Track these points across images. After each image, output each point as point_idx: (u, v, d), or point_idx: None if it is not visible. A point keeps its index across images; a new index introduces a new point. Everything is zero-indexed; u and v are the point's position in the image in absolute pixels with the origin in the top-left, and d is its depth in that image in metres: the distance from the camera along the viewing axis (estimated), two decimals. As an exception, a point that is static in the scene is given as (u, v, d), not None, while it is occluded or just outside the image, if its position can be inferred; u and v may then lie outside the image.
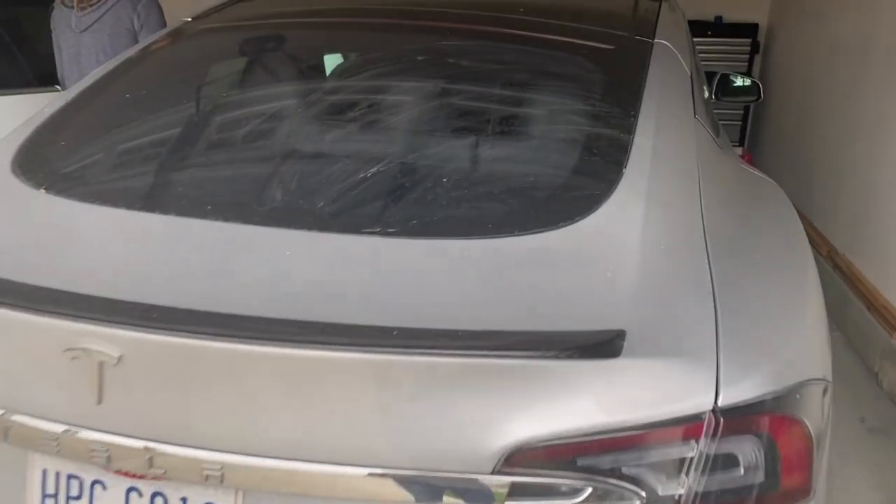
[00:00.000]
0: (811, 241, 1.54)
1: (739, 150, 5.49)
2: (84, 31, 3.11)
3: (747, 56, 5.44)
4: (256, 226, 1.10)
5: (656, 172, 1.25)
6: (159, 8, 3.27)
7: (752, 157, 5.48)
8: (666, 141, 1.35)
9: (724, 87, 3.33)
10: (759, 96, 3.37)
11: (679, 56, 1.68)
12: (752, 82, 3.43)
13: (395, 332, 0.86)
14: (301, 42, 1.72)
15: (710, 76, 3.02)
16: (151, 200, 1.18)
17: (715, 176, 1.43)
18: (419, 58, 1.58)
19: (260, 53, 1.72)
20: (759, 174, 1.75)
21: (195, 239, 1.08)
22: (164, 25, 3.14)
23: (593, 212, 1.13)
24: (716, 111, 2.89)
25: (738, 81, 3.42)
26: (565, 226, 1.11)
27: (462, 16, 1.77)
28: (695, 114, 1.53)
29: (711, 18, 5.44)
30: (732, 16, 5.45)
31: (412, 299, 0.96)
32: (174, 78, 1.64)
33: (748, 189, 1.55)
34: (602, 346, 0.90)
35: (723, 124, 4.26)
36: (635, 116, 1.36)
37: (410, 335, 0.86)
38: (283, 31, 1.83)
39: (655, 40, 1.69)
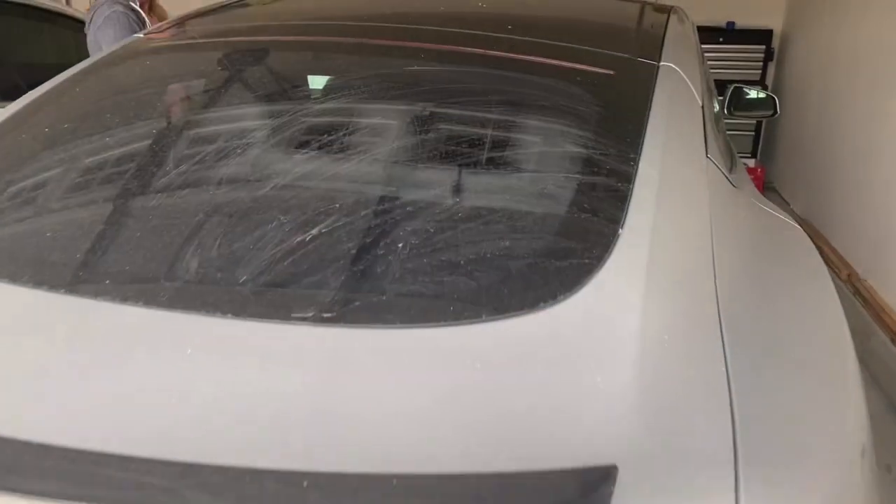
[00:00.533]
0: (829, 264, 1.33)
1: (752, 162, 5.23)
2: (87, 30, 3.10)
3: (760, 64, 5.19)
4: (157, 309, 0.87)
5: (661, 234, 1.03)
6: (120, 22, 3.05)
7: (765, 171, 5.22)
8: (672, 192, 1.12)
9: (737, 101, 3.09)
10: (776, 111, 3.13)
11: (689, 82, 1.45)
12: (768, 96, 3.18)
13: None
14: (254, 66, 1.49)
15: (720, 88, 2.78)
16: (27, 268, 0.95)
17: (731, 231, 1.20)
18: (378, 86, 1.36)
19: (203, 79, 1.50)
20: (780, 216, 1.51)
21: (70, 326, 0.86)
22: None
23: (580, 288, 0.91)
24: (726, 120, 2.66)
25: (753, 94, 3.18)
26: (544, 308, 0.88)
27: (436, 34, 1.54)
28: (707, 152, 1.30)
29: (723, 24, 5.20)
30: (745, 21, 5.20)
31: (334, 427, 0.74)
32: (94, 111, 1.41)
33: (770, 242, 1.31)
34: (584, 492, 0.68)
35: (734, 135, 4.02)
36: (635, 161, 1.13)
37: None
38: (236, 52, 1.61)
39: (661, 63, 1.46)
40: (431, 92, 1.33)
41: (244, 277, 0.92)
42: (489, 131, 1.23)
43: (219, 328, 0.85)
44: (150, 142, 1.23)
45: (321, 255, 0.96)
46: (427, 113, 1.26)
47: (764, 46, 5.16)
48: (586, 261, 0.96)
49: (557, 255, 0.99)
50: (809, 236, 1.45)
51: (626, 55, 1.49)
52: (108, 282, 0.93)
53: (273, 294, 0.91)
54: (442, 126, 1.24)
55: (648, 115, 1.25)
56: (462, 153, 1.16)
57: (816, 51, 4.57)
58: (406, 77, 1.38)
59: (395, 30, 1.60)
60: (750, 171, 5.04)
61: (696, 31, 1.99)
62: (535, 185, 1.11)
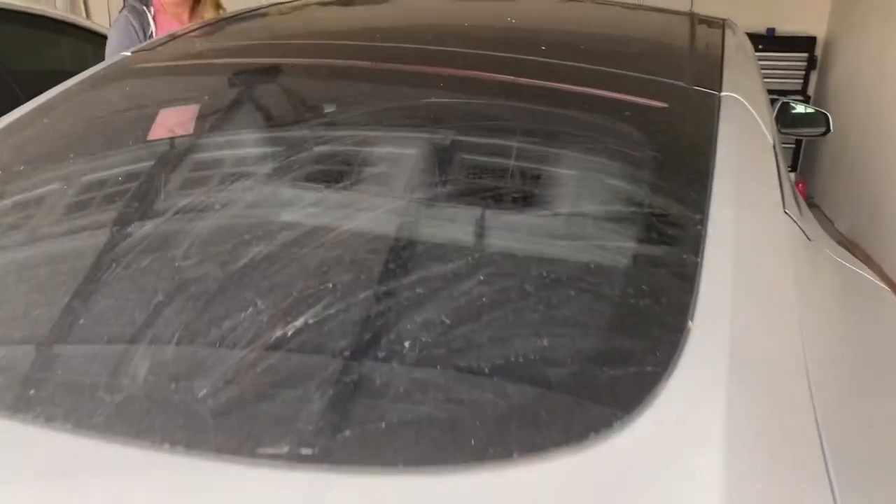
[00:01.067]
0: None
1: (792, 176, 4.94)
2: None
3: (803, 73, 4.90)
4: (85, 437, 0.66)
5: (740, 324, 0.80)
6: (118, 29, 2.87)
7: (805, 186, 4.93)
8: (750, 264, 0.89)
9: (783, 117, 2.82)
10: (828, 129, 2.86)
11: (756, 116, 1.21)
12: (818, 112, 2.91)
13: None
14: (238, 100, 1.28)
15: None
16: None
17: (819, 308, 0.96)
18: (387, 126, 1.14)
19: (181, 113, 1.29)
20: (866, 275, 1.27)
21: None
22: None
23: (638, 414, 0.68)
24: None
25: (802, 110, 2.91)
26: (589, 444, 0.66)
27: (458, 58, 1.32)
28: (784, 206, 1.07)
29: (762, 31, 4.91)
30: (786, 28, 4.91)
31: None
32: (57, 147, 1.21)
33: (864, 315, 1.07)
34: None
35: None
36: (702, 226, 0.90)
37: None
38: (224, 78, 1.40)
39: (723, 93, 1.23)
40: (444, 131, 1.11)
41: (199, 393, 0.71)
42: (526, 188, 1.01)
43: (158, 467, 0.64)
44: (96, 193, 1.03)
45: (302, 361, 0.75)
46: (435, 164, 1.04)
47: (806, 54, 4.87)
48: (647, 369, 0.73)
49: (608, 360, 0.76)
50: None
51: (679, 83, 1.26)
52: (28, 393, 0.72)
53: (233, 419, 0.70)
54: (450, 185, 1.02)
55: (713, 162, 1.02)
56: (487, 222, 0.93)
57: (864, 59, 4.27)
58: (417, 115, 1.17)
59: (413, 51, 1.39)
60: (790, 186, 4.75)
61: (752, 48, 1.75)
62: (576, 262, 0.88)
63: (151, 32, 2.94)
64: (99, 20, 4.72)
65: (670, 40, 1.61)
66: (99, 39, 3.35)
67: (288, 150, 1.09)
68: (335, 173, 1.05)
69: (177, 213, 0.96)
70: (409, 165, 1.08)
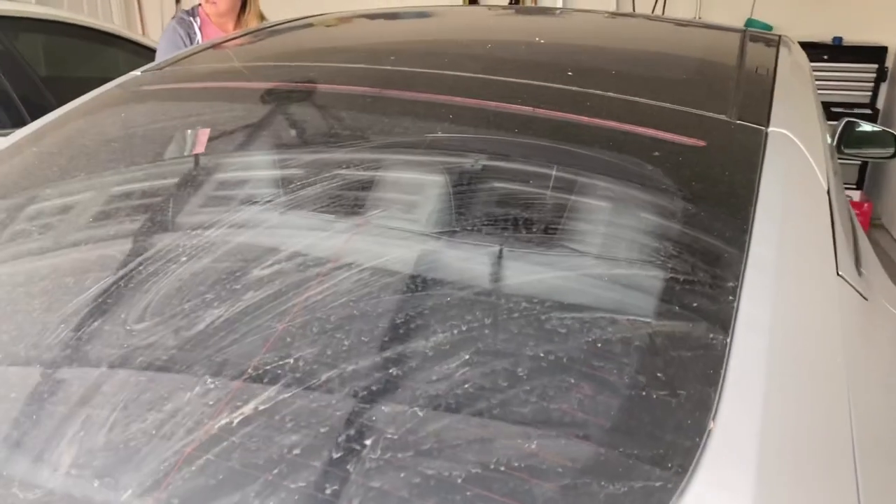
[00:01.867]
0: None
1: (856, 195, 4.64)
2: None
3: (871, 84, 4.60)
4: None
5: (773, 429, 0.66)
6: (166, 37, 2.88)
7: (871, 206, 4.63)
8: (790, 348, 0.75)
9: (847, 137, 2.60)
10: (898, 153, 2.63)
11: (810, 157, 1.06)
12: (886, 132, 2.68)
13: None
14: (238, 132, 1.19)
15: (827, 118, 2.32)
16: None
17: (872, 388, 0.81)
18: (387, 170, 1.03)
19: (191, 131, 1.21)
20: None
21: None
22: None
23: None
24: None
25: (867, 129, 2.69)
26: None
27: (477, 85, 1.20)
28: (837, 268, 0.91)
29: (828, 40, 4.64)
30: (854, 37, 4.63)
31: None
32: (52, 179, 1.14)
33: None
34: None
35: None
36: (734, 298, 0.76)
37: None
38: (232, 102, 1.31)
39: (770, 129, 1.08)
40: (452, 174, 0.99)
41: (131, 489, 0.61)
42: (539, 240, 0.88)
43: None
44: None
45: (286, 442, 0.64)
46: (438, 213, 0.93)
47: (876, 65, 4.56)
48: (656, 484, 0.61)
49: (608, 473, 0.64)
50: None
51: (720, 116, 1.11)
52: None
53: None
54: (451, 243, 0.90)
55: (752, 216, 0.87)
56: (497, 286, 0.81)
57: (941, 72, 3.97)
58: (420, 153, 1.05)
59: (426, 77, 1.27)
60: (855, 205, 4.48)
61: (811, 70, 1.58)
62: (584, 338, 0.74)
63: (197, 41, 2.94)
64: (154, 35, 4.84)
65: (715, 63, 1.46)
66: (149, 53, 3.40)
67: (301, 178, 0.99)
68: (350, 206, 0.95)
69: (171, 250, 0.87)
70: (408, 210, 0.97)
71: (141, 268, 0.87)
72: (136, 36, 3.82)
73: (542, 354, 0.72)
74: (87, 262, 0.95)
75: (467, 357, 0.72)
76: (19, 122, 2.43)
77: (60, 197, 1.10)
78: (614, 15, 2.55)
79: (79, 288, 0.86)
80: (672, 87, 1.26)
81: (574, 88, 1.18)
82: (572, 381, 0.70)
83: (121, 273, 0.87)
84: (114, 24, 4.50)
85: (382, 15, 2.18)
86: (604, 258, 0.86)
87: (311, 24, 1.92)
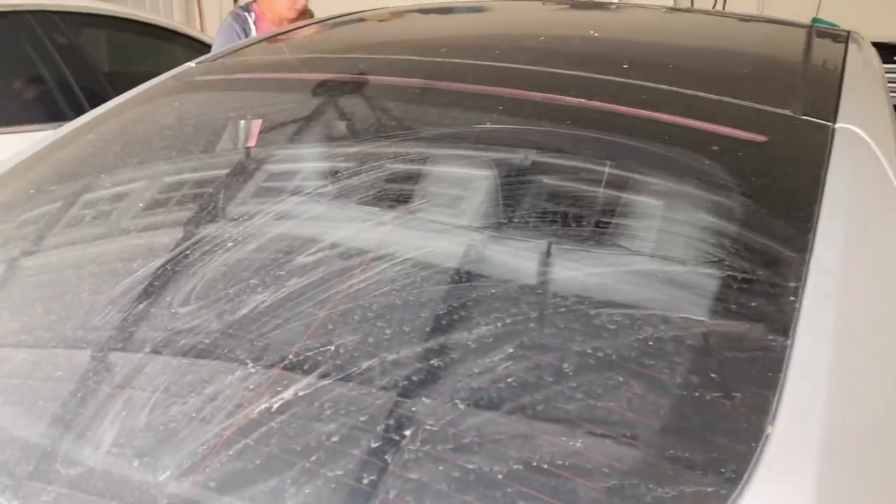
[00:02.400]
0: None
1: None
2: None
3: (945, 87, 4.38)
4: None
5: (834, 438, 0.62)
6: (223, 33, 2.92)
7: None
8: (853, 354, 0.71)
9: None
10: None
11: (879, 152, 1.00)
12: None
13: None
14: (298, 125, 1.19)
15: None
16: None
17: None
18: (437, 169, 1.02)
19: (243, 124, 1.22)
20: None
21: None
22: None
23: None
24: None
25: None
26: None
27: (536, 78, 1.18)
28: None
29: (899, 40, 4.44)
30: (927, 37, 4.41)
31: None
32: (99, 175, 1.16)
33: None
34: None
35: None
36: (796, 300, 0.72)
37: None
38: (290, 94, 1.31)
39: (838, 124, 1.02)
40: (501, 167, 0.98)
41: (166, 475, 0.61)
42: (574, 236, 0.85)
43: None
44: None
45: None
46: (486, 210, 0.91)
47: (952, 67, 4.35)
48: (708, 490, 0.58)
49: (661, 477, 0.61)
50: None
51: (784, 111, 1.06)
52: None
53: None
54: (499, 242, 0.87)
55: (816, 216, 0.83)
56: (543, 282, 0.79)
57: None
58: (468, 145, 1.04)
59: (481, 69, 1.25)
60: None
61: (882, 69, 1.50)
62: (639, 337, 0.71)
63: (252, 36, 2.99)
64: (212, 31, 4.94)
65: (780, 58, 1.40)
66: (207, 49, 3.47)
67: (351, 169, 0.99)
68: (399, 197, 0.94)
69: (218, 241, 0.88)
70: (457, 202, 0.95)
71: (188, 254, 0.88)
72: (194, 32, 3.91)
73: (590, 351, 0.70)
74: (136, 249, 0.96)
75: (511, 351, 0.70)
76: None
77: (112, 185, 1.12)
78: (672, 10, 2.49)
79: (127, 273, 0.87)
80: (733, 81, 1.21)
81: (630, 81, 1.15)
82: (621, 379, 0.67)
83: (168, 259, 0.88)
84: (174, 20, 4.62)
85: (435, 9, 2.17)
86: (659, 255, 0.83)
87: (362, 19, 1.92)
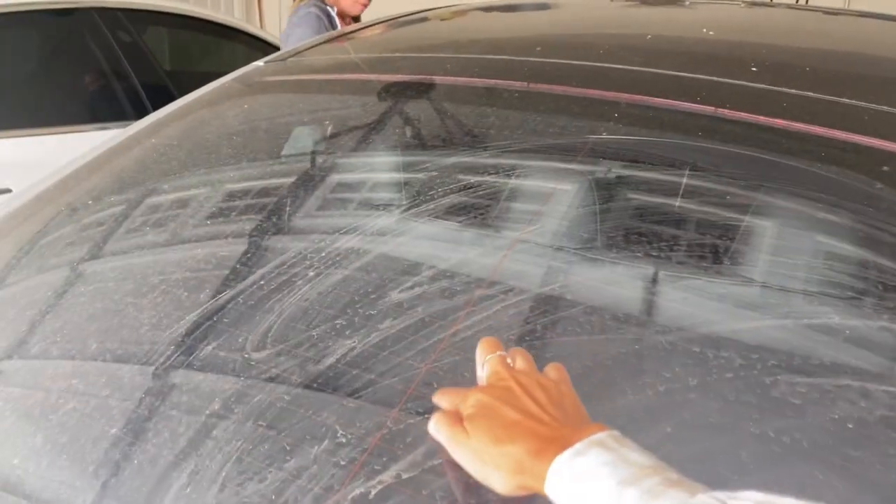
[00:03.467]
0: None
1: None
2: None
3: None
4: None
5: None
6: (311, 25, 2.81)
7: None
8: None
9: None
10: None
11: None
12: None
13: None
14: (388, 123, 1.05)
15: None
16: None
17: None
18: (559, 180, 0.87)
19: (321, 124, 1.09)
20: None
21: None
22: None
23: None
24: None
25: None
26: None
27: (642, 79, 1.02)
28: None
29: None
30: None
31: None
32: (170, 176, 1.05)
33: None
34: None
35: None
36: None
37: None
38: (379, 96, 1.17)
39: None
40: (623, 179, 0.82)
41: None
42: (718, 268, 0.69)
43: None
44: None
45: None
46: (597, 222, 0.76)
47: None
48: None
49: None
50: None
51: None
52: None
53: None
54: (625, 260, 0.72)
55: None
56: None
57: None
58: (574, 156, 0.89)
59: (577, 70, 1.11)
60: None
61: None
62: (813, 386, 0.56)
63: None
64: (272, 29, 4.91)
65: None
66: (267, 47, 3.41)
67: (443, 183, 0.86)
68: (502, 218, 0.80)
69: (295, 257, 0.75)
70: (560, 213, 0.80)
71: (261, 281, 0.75)
72: (255, 30, 3.85)
73: (771, 434, 0.54)
74: (200, 267, 0.84)
75: (669, 431, 0.55)
76: (144, 115, 2.44)
77: (174, 191, 1.01)
78: (773, 3, 2.29)
79: (190, 299, 0.75)
80: (879, 85, 1.04)
81: (764, 86, 0.98)
82: (819, 475, 0.52)
83: (237, 286, 0.75)
84: (234, 17, 4.57)
85: (500, 7, 2.02)
86: (833, 300, 0.66)
87: (427, 19, 1.78)
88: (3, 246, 0.96)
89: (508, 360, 0.57)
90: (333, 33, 1.83)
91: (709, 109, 0.93)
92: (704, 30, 1.33)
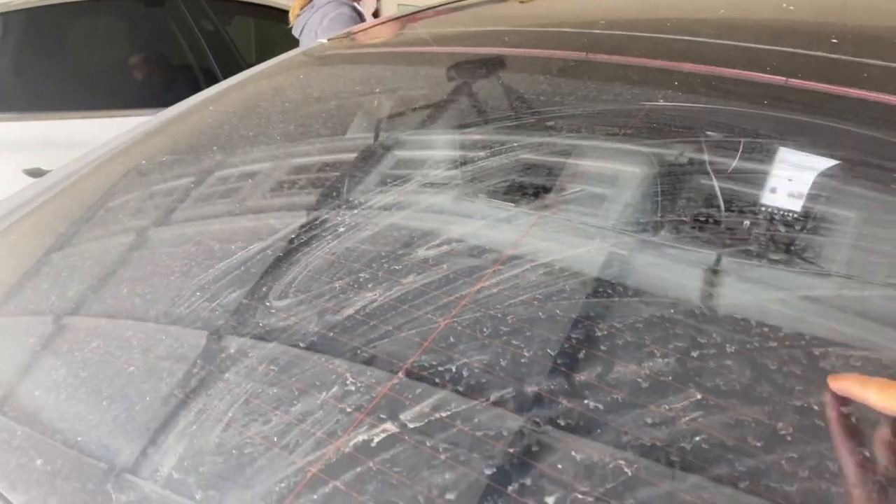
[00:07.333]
0: None
1: None
2: (299, 35, 2.91)
3: None
4: None
5: None
6: (346, 25, 2.86)
7: None
8: None
9: None
10: None
11: None
12: None
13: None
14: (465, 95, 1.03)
15: None
16: None
17: None
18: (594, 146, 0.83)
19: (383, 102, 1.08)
20: None
21: None
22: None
23: None
24: None
25: None
26: None
27: (730, 54, 0.96)
28: None
29: None
30: None
31: None
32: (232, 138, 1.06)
33: None
34: None
35: None
36: None
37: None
38: (445, 74, 1.16)
39: None
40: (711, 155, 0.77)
41: None
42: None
43: None
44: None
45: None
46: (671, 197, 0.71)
47: None
48: None
49: None
50: None
51: None
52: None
53: None
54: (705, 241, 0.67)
55: None
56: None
57: None
58: (655, 134, 0.84)
59: (651, 42, 1.05)
60: None
61: None
62: None
63: None
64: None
65: None
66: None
67: (505, 154, 0.83)
68: (547, 192, 0.77)
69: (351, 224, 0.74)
70: (632, 200, 0.76)
71: (301, 240, 0.75)
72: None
73: (816, 407, 0.49)
74: (249, 230, 0.84)
75: (699, 397, 0.50)
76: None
77: (231, 163, 1.02)
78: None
79: (230, 257, 0.74)
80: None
81: (848, 58, 0.91)
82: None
83: (276, 245, 0.75)
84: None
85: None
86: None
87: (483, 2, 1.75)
88: (77, 203, 0.99)
89: None
90: (393, 15, 1.83)
91: (779, 79, 0.87)
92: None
